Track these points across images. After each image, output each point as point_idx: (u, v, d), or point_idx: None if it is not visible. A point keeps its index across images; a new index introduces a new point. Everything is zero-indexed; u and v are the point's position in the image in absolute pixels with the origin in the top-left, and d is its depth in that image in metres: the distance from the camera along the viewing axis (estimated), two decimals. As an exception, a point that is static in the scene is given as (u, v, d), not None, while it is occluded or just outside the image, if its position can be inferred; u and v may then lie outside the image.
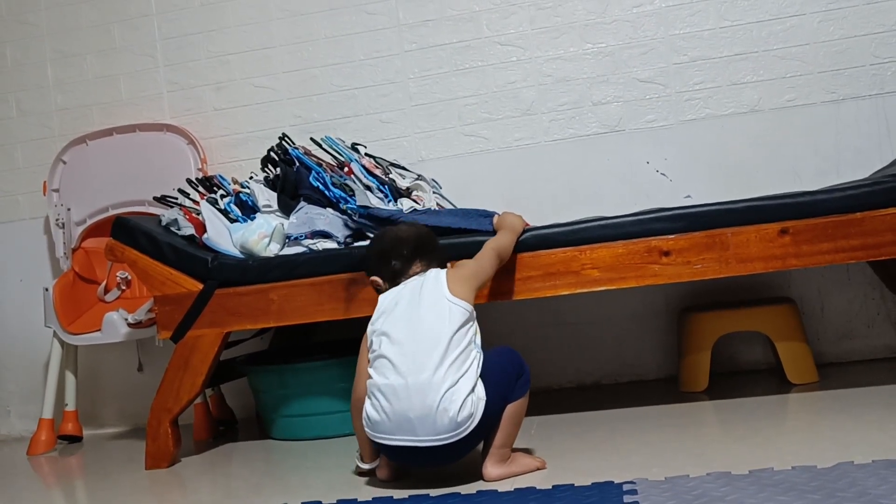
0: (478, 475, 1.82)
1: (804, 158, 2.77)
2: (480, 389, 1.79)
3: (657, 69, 2.86)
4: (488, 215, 2.28)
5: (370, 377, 1.84)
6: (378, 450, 1.89)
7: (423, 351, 1.79)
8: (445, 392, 1.74)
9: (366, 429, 1.84)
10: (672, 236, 2.14)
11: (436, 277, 1.91)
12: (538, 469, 1.86)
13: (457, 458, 1.82)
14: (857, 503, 1.37)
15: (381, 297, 1.94)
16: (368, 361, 1.89)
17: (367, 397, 1.85)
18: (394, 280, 1.95)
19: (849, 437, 1.81)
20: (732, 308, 2.54)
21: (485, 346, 1.88)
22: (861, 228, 2.07)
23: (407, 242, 1.98)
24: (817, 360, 2.53)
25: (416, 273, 1.95)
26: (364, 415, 1.84)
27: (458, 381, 1.76)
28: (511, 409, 1.83)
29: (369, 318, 1.93)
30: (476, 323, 1.88)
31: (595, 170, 2.88)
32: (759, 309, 2.51)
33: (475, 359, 1.82)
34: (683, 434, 2.04)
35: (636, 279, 2.15)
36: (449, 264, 2.01)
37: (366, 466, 1.96)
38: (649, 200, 2.73)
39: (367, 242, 2.36)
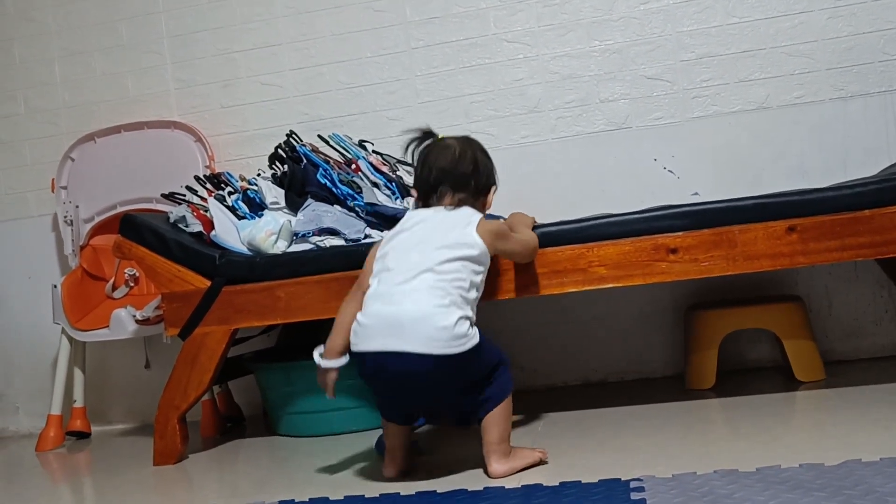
0: (481, 475, 1.83)
1: (812, 156, 2.76)
2: (475, 331, 1.79)
3: (664, 66, 2.86)
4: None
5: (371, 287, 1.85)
6: (346, 348, 1.85)
7: (427, 265, 1.79)
8: (443, 306, 1.75)
9: (352, 340, 1.82)
10: (679, 234, 2.14)
11: (468, 215, 1.89)
12: (541, 461, 1.86)
13: (445, 394, 1.80)
14: (864, 501, 1.37)
15: (409, 214, 1.95)
16: (373, 267, 1.89)
17: (361, 307, 1.83)
18: (426, 198, 1.95)
19: (856, 436, 1.81)
20: (740, 305, 2.54)
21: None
22: (869, 226, 2.07)
23: (441, 163, 1.94)
24: (825, 358, 2.52)
25: (450, 204, 1.93)
26: (354, 326, 1.81)
27: (456, 305, 1.77)
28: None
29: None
30: (484, 276, 1.88)
31: (602, 167, 2.88)
32: (767, 306, 2.51)
33: (475, 301, 1.84)
34: (690, 431, 2.04)
35: (643, 277, 2.14)
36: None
37: (325, 363, 1.87)
38: (656, 198, 2.72)
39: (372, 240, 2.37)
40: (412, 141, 2.02)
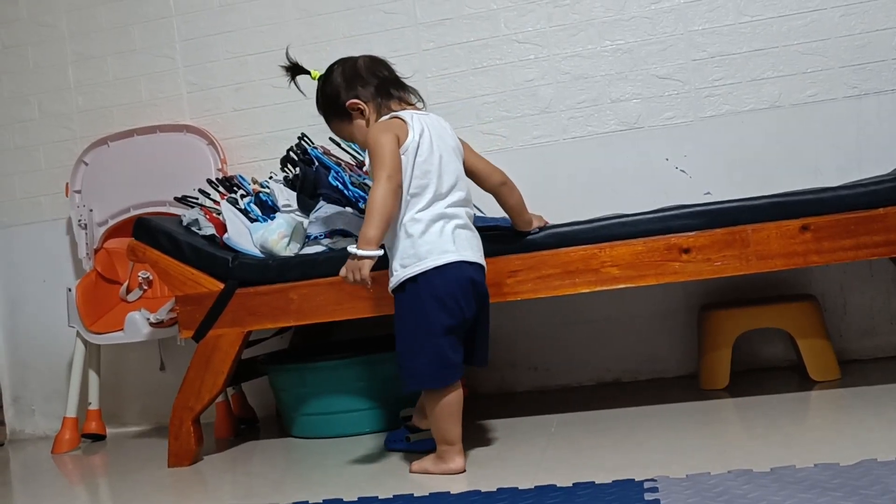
0: (495, 476, 1.83)
1: (825, 154, 2.75)
2: None
3: (676, 66, 2.85)
4: (506, 222, 2.27)
5: (419, 208, 1.91)
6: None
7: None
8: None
9: (429, 251, 1.88)
10: (692, 233, 2.13)
11: (453, 132, 2.05)
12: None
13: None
14: (881, 501, 1.36)
15: (414, 122, 1.96)
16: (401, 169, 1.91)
17: (440, 221, 1.91)
18: (379, 107, 2.03)
19: (872, 435, 1.80)
20: (753, 305, 2.53)
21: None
22: (883, 224, 2.06)
23: (385, 65, 2.12)
24: (839, 357, 2.51)
25: (413, 106, 2.05)
26: (429, 241, 1.89)
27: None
28: None
29: (387, 316, 1.92)
30: None
31: (614, 167, 2.87)
32: (781, 306, 2.50)
33: None
34: (704, 431, 2.04)
35: (656, 277, 2.14)
36: None
37: (368, 253, 1.81)
38: (668, 198, 2.71)
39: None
40: (292, 79, 2.19)
